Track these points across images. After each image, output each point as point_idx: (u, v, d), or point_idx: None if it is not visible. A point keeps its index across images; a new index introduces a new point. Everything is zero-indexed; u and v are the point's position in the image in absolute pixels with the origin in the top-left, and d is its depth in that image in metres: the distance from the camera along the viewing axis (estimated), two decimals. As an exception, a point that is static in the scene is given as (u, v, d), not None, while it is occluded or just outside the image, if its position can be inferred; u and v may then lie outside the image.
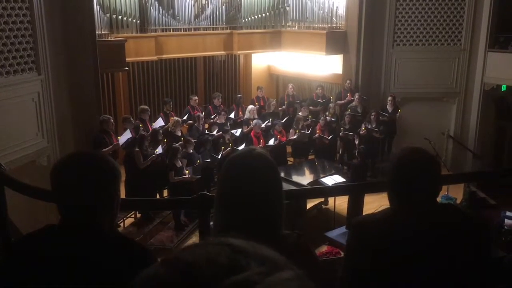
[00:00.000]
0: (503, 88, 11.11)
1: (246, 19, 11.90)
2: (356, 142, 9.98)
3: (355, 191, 5.82)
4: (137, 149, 8.19)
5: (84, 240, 1.50)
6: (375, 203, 9.31)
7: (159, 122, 9.49)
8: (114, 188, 1.59)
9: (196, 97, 10.78)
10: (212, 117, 10.43)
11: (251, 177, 1.44)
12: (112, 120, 8.57)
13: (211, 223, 2.75)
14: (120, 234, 2.22)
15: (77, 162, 1.57)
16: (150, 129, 9.12)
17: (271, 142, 9.76)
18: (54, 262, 1.44)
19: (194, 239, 8.13)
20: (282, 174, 8.20)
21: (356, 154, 9.16)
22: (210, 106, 10.93)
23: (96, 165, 1.57)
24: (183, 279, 0.56)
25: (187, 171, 8.26)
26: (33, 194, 3.27)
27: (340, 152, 10.69)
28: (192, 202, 3.22)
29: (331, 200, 9.11)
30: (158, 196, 8.59)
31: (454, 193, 9.08)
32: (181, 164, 8.20)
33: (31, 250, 1.51)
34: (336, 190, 5.67)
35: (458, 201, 8.88)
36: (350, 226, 1.90)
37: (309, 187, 8.07)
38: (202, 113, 10.21)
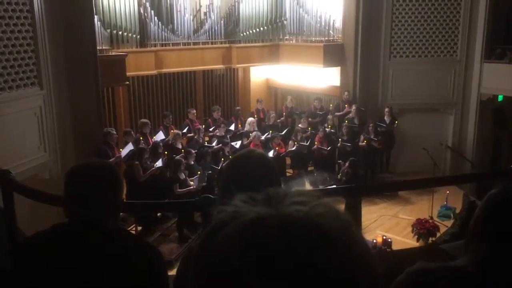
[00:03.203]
0: (500, 98, 11.24)
1: (244, 33, 12.06)
2: (341, 161, 9.95)
3: (350, 194, 5.84)
4: (136, 162, 8.27)
5: (91, 238, 1.58)
6: (373, 214, 9.39)
7: (160, 136, 9.57)
8: (119, 193, 1.75)
9: (195, 111, 10.88)
10: (211, 129, 10.52)
11: (250, 176, 1.51)
12: (115, 133, 8.67)
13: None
14: (128, 233, 2.30)
15: (87, 169, 1.72)
16: (151, 143, 9.20)
17: (270, 154, 9.83)
18: (63, 261, 1.51)
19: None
20: (281, 186, 8.24)
21: (347, 166, 9.21)
22: (209, 119, 11.03)
23: (103, 171, 1.72)
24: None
25: (192, 182, 8.32)
26: (41, 199, 3.38)
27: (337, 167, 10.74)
28: (195, 205, 3.29)
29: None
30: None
31: (453, 202, 9.14)
32: (184, 176, 8.27)
33: (40, 249, 1.59)
34: (332, 193, 5.69)
35: (457, 211, 8.92)
36: (404, 275, 1.48)
37: (307, 190, 8.11)
38: (202, 126, 10.30)
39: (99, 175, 1.68)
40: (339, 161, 9.96)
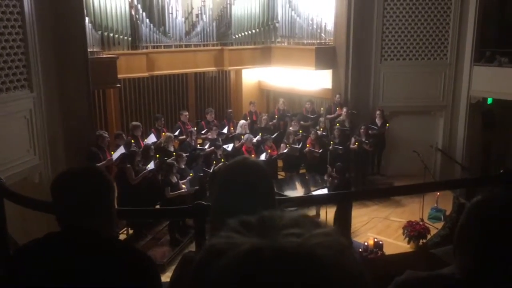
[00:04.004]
0: (489, 101, 11.35)
1: (237, 36, 12.06)
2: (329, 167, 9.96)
3: (341, 199, 5.88)
4: (128, 165, 8.23)
5: (86, 246, 1.57)
6: (365, 216, 9.43)
7: (151, 138, 9.54)
8: (110, 198, 1.72)
9: (187, 113, 10.86)
10: (203, 132, 10.50)
11: (244, 183, 1.51)
12: (107, 136, 8.63)
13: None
14: (120, 241, 2.29)
15: (74, 174, 1.70)
16: (143, 145, 9.16)
17: (263, 157, 9.84)
18: (57, 269, 1.51)
19: (187, 254, 8.13)
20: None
21: (334, 171, 9.21)
22: (202, 122, 11.01)
23: (93, 177, 1.70)
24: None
25: (184, 186, 8.30)
26: (33, 206, 3.34)
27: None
28: (187, 212, 3.28)
29: (323, 213, 9.18)
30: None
31: (444, 205, 9.21)
32: (176, 179, 8.25)
33: (33, 258, 1.58)
34: (321, 199, 5.73)
35: (448, 213, 8.99)
36: (393, 285, 1.49)
37: (296, 196, 8.13)
38: (194, 129, 10.29)
39: (88, 182, 1.66)
40: (327, 166, 9.95)
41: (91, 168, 1.85)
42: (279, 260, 0.58)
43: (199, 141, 10.37)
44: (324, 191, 9.05)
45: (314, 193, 9.03)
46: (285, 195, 8.63)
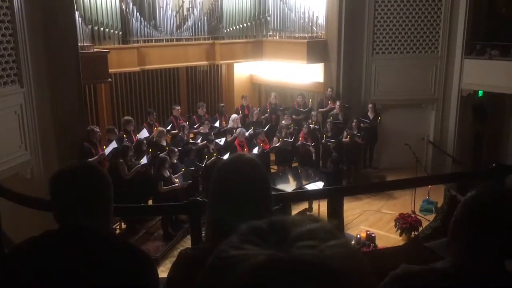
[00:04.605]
0: (480, 93, 11.43)
1: (228, 29, 12.02)
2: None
3: (334, 194, 5.92)
4: (121, 160, 8.20)
5: (84, 244, 1.57)
6: (357, 209, 9.49)
7: (144, 133, 9.50)
8: (108, 194, 1.69)
9: (179, 107, 10.82)
10: (196, 126, 10.48)
11: (240, 181, 1.52)
12: (99, 131, 8.59)
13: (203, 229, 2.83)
14: (118, 238, 2.28)
15: (73, 172, 1.67)
16: (135, 140, 9.12)
17: (255, 150, 9.85)
18: (55, 267, 1.50)
19: (181, 249, 8.15)
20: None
21: (329, 162, 9.29)
22: (194, 116, 10.98)
23: (91, 173, 1.68)
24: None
25: (177, 180, 8.30)
26: (27, 203, 3.31)
27: (314, 158, 10.77)
28: (183, 208, 3.28)
29: (315, 206, 9.23)
30: (143, 207, 8.59)
31: (435, 197, 9.28)
32: (169, 174, 8.24)
33: (31, 257, 1.57)
34: (315, 194, 5.76)
35: (439, 205, 9.06)
36: (388, 278, 1.52)
37: (290, 191, 8.16)
38: (186, 123, 10.26)
39: (87, 180, 1.64)
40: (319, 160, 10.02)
41: (90, 165, 1.81)
42: (295, 273, 0.58)
43: (191, 135, 10.35)
44: (317, 184, 9.08)
45: (307, 186, 9.06)
46: (278, 189, 8.66)
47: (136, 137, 9.32)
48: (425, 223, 8.51)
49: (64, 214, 1.63)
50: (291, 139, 10.37)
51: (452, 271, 1.42)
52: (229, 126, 10.70)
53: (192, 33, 11.71)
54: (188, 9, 11.90)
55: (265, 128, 10.81)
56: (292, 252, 0.61)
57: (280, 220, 0.67)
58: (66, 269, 1.49)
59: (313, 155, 10.68)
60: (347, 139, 10.49)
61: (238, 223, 1.38)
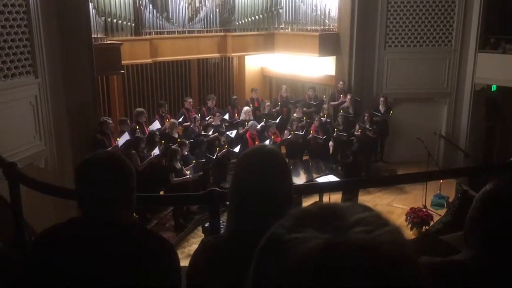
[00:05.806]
0: (493, 88, 11.32)
1: (240, 22, 12.00)
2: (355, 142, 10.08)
3: (349, 187, 5.92)
4: (133, 151, 8.26)
5: (108, 231, 1.60)
6: (368, 203, 9.35)
7: (156, 125, 9.56)
8: (131, 184, 1.72)
9: (191, 99, 10.86)
10: (207, 118, 10.51)
11: (262, 172, 1.54)
12: (111, 123, 8.66)
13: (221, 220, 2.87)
14: (141, 226, 2.32)
15: (100, 163, 1.69)
16: (147, 132, 9.18)
17: (266, 143, 9.87)
18: (80, 252, 1.54)
19: (192, 240, 8.23)
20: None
21: (350, 153, 9.29)
22: (204, 108, 11.02)
23: (115, 163, 1.70)
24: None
25: (188, 171, 8.35)
26: (50, 192, 3.38)
27: (331, 152, 10.78)
28: (202, 198, 3.32)
29: (325, 199, 9.23)
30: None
31: (447, 192, 9.25)
32: (180, 166, 8.29)
33: (57, 241, 1.61)
34: (330, 186, 5.78)
35: (451, 200, 9.03)
36: None
37: (305, 183, 8.18)
38: (197, 115, 10.30)
39: (112, 170, 1.66)
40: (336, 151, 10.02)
41: (114, 154, 1.84)
42: (352, 256, 0.60)
43: (202, 127, 10.39)
44: (328, 177, 9.09)
45: (318, 180, 9.07)
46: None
47: (148, 129, 9.38)
48: (436, 218, 8.50)
49: (89, 203, 1.66)
50: (302, 132, 10.37)
51: (471, 264, 1.42)
52: (241, 118, 10.72)
53: (204, 25, 11.72)
54: (200, 1, 11.88)
55: (276, 120, 10.81)
56: (349, 236, 0.62)
57: (332, 206, 0.69)
58: (92, 259, 1.52)
59: (331, 148, 10.69)
60: (359, 132, 10.46)
61: (261, 213, 1.41)
